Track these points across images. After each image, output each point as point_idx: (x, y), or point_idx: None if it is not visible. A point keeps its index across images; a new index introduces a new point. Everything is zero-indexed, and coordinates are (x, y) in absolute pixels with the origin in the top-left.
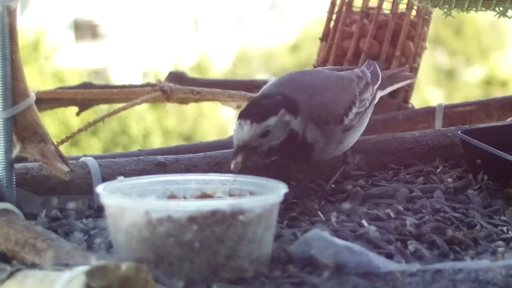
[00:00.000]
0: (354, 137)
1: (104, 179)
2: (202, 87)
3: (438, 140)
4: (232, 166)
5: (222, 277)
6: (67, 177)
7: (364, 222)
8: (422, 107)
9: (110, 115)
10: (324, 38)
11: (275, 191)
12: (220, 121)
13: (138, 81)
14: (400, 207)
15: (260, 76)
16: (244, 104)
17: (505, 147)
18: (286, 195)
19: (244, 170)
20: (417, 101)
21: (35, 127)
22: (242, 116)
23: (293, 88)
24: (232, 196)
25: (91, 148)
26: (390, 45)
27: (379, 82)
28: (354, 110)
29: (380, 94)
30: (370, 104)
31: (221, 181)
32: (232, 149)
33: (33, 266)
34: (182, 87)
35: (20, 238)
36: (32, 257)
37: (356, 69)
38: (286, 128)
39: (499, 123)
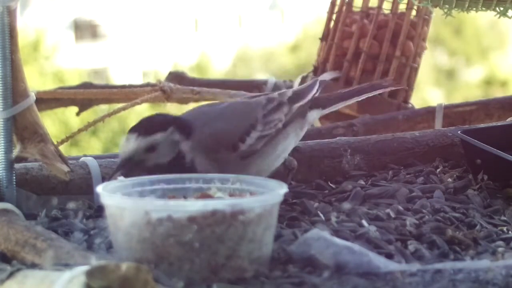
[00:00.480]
0: (268, 161)
1: (104, 179)
2: (202, 87)
3: (438, 140)
4: (108, 179)
5: (222, 277)
6: (67, 177)
7: (364, 222)
8: (422, 107)
9: (110, 115)
10: (324, 38)
11: (275, 191)
12: None
13: (138, 81)
14: (400, 207)
15: (260, 76)
16: None
17: (505, 147)
18: (286, 195)
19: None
20: (417, 101)
21: (35, 127)
22: (131, 130)
23: (190, 116)
24: (232, 196)
25: (91, 148)
26: (390, 45)
27: (305, 100)
28: (255, 134)
29: (318, 113)
30: (286, 125)
31: (221, 181)
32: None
33: (33, 266)
34: (182, 87)
35: (20, 238)
36: (32, 257)
37: (275, 92)
38: (174, 148)
39: (499, 123)
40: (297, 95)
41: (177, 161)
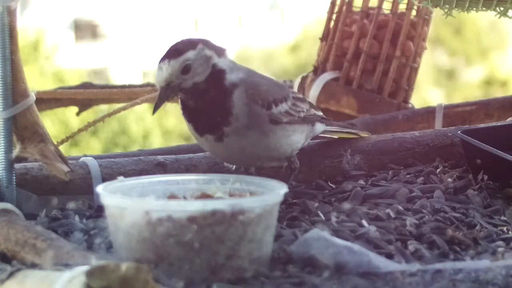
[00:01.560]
0: (282, 141)
1: (104, 179)
2: None
3: (438, 140)
4: (153, 110)
5: (222, 277)
6: (67, 177)
7: (364, 222)
8: (422, 107)
9: (110, 115)
10: (324, 38)
11: (275, 191)
12: None
13: (138, 81)
14: (400, 207)
15: None
16: None
17: (505, 147)
18: (286, 195)
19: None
20: (417, 101)
21: (35, 127)
22: (161, 59)
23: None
24: (232, 196)
25: (91, 148)
26: (390, 45)
27: (319, 112)
28: (285, 106)
29: (322, 127)
30: (304, 120)
31: (221, 181)
32: None
33: (33, 266)
34: None
35: (20, 238)
36: (32, 257)
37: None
38: (208, 63)
39: (499, 123)
40: (314, 105)
41: (213, 79)
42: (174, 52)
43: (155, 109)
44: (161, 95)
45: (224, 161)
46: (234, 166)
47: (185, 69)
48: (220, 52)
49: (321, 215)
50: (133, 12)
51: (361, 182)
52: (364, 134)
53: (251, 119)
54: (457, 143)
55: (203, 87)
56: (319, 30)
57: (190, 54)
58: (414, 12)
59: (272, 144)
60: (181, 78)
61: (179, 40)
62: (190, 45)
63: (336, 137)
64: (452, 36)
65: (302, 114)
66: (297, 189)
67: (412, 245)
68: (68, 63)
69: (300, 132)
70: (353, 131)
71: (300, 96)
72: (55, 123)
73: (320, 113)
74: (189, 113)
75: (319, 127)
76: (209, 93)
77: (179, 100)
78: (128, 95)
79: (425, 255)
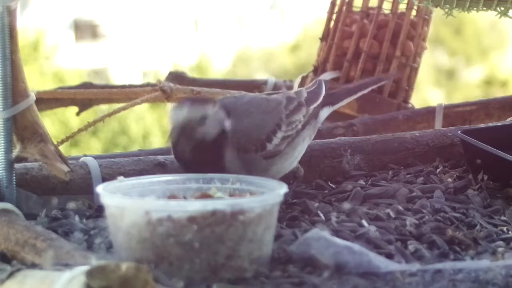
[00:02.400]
0: (287, 163)
1: (104, 179)
2: (202, 87)
3: (438, 140)
4: (172, 147)
5: (222, 277)
6: (67, 177)
7: (364, 222)
8: (422, 107)
9: (110, 115)
10: (324, 38)
11: (275, 191)
12: None
13: (138, 81)
14: (400, 207)
15: (260, 76)
16: None
17: (505, 147)
18: (286, 195)
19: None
20: (417, 101)
21: (35, 127)
22: (179, 103)
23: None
24: (232, 196)
25: (91, 148)
26: (390, 45)
27: (319, 101)
28: (280, 134)
29: (328, 110)
30: (304, 126)
31: (221, 181)
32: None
33: (33, 266)
34: (182, 87)
35: (20, 238)
36: (32, 257)
37: (291, 91)
38: (219, 125)
39: (499, 123)
40: (312, 95)
41: (220, 139)
42: (196, 100)
43: (170, 142)
44: (174, 135)
45: None
46: None
47: (202, 120)
48: (228, 114)
49: (321, 215)
50: (133, 12)
51: (361, 182)
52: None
53: (245, 168)
54: (457, 143)
55: (207, 145)
56: (319, 30)
57: (210, 109)
58: (414, 12)
59: (274, 173)
60: (195, 126)
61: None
62: (210, 102)
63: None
64: (452, 36)
65: (300, 126)
66: (297, 189)
67: (412, 245)
68: (68, 63)
69: (302, 141)
70: (365, 91)
71: (295, 103)
72: (55, 123)
73: (321, 97)
74: (180, 161)
75: (324, 113)
76: (208, 151)
77: (169, 139)
78: (128, 95)
79: (425, 255)
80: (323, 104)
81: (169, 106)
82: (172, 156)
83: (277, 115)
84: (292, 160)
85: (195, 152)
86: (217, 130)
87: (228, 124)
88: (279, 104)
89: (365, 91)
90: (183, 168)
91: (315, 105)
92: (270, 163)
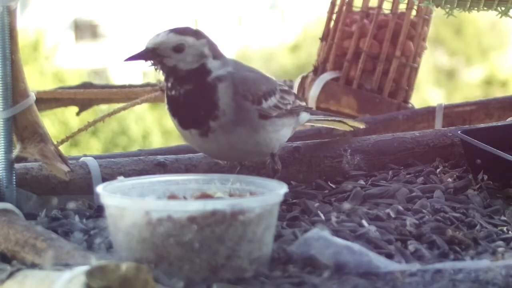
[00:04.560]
0: (273, 135)
1: (104, 179)
2: None
3: (438, 140)
4: (127, 59)
5: (222, 277)
6: (67, 177)
7: (364, 222)
8: (422, 107)
9: (110, 115)
10: (324, 38)
11: (275, 191)
12: None
13: (138, 81)
14: (400, 207)
15: None
16: None
17: (505, 147)
18: (286, 195)
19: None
20: (417, 101)
21: (35, 127)
22: (164, 30)
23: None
24: (232, 196)
25: (91, 148)
26: (390, 45)
27: (303, 103)
28: (274, 99)
29: (307, 116)
30: (291, 112)
31: (221, 181)
32: None
33: (33, 266)
34: None
35: (20, 238)
36: (32, 257)
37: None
38: (199, 60)
39: (499, 123)
40: (298, 95)
41: (197, 74)
42: (179, 29)
43: (129, 59)
44: (142, 54)
45: (210, 156)
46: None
47: (178, 48)
48: (217, 55)
49: (321, 215)
50: (133, 12)
51: (361, 182)
52: (352, 123)
53: (239, 115)
54: (457, 143)
55: (182, 76)
56: (319, 30)
57: (191, 39)
58: (414, 12)
59: (262, 139)
60: (169, 53)
61: (193, 26)
62: (196, 34)
63: (325, 126)
64: (452, 36)
65: (289, 107)
66: (297, 189)
67: (412, 245)
68: (68, 63)
69: (288, 126)
70: (337, 119)
71: (286, 88)
72: (55, 123)
73: (304, 103)
74: (173, 106)
75: (304, 116)
76: (190, 85)
77: (165, 95)
78: (128, 95)
79: (425, 255)
80: (305, 109)
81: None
82: (172, 157)
83: (273, 84)
84: (277, 138)
85: (177, 82)
86: (195, 64)
87: (212, 63)
88: (272, 78)
89: (334, 121)
90: (177, 116)
91: (300, 102)
92: (261, 124)
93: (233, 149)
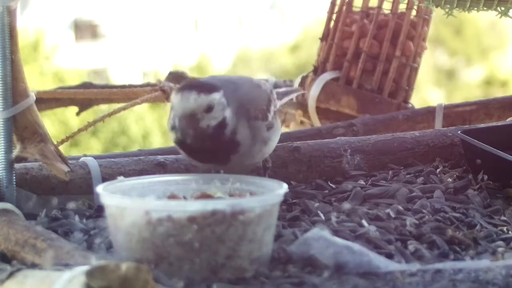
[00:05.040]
0: (275, 141)
1: (104, 179)
2: None
3: (438, 140)
4: (174, 137)
5: (222, 277)
6: (67, 177)
7: (364, 222)
8: (422, 107)
9: (110, 115)
10: (324, 38)
11: (275, 191)
12: None
13: (138, 81)
14: (400, 207)
15: (260, 76)
16: None
17: (505, 147)
18: (286, 195)
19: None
20: (417, 101)
21: (35, 127)
22: (186, 89)
23: (217, 80)
24: (232, 196)
25: (91, 148)
26: (390, 45)
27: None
28: (272, 107)
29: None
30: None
31: (221, 181)
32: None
33: (33, 266)
34: None
35: (20, 238)
36: (32, 257)
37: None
38: (223, 111)
39: (499, 123)
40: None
41: (220, 128)
42: (203, 87)
43: (182, 136)
44: (181, 124)
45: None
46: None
47: (209, 109)
48: (227, 99)
49: (321, 215)
50: (133, 12)
51: (361, 182)
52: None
53: (254, 138)
54: (457, 143)
55: (212, 132)
56: (319, 30)
57: (217, 96)
58: (414, 12)
59: (269, 149)
60: (202, 116)
61: (198, 79)
62: (216, 87)
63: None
64: (452, 36)
65: (278, 106)
66: (297, 189)
67: (412, 245)
68: (68, 63)
69: (280, 126)
70: (292, 95)
71: (267, 85)
72: (55, 123)
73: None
74: (185, 150)
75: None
76: (212, 140)
77: (170, 128)
78: (128, 95)
79: (425, 255)
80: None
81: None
82: (172, 157)
83: (265, 91)
84: (275, 141)
85: (201, 140)
86: (219, 117)
87: (228, 111)
88: (259, 82)
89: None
90: (189, 156)
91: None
92: (268, 136)
93: (241, 166)
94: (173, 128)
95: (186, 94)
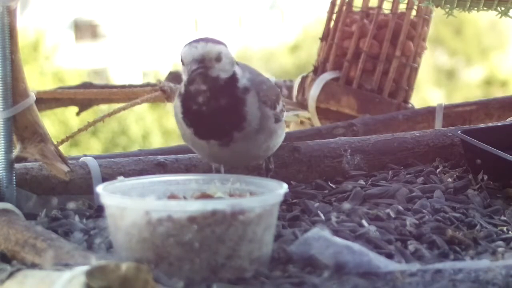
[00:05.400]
0: (281, 138)
1: (104, 179)
2: None
3: (438, 140)
4: (190, 80)
5: (222, 277)
6: (67, 177)
7: (364, 222)
8: (422, 107)
9: (110, 115)
10: (324, 38)
11: (275, 191)
12: None
13: (138, 81)
14: (400, 207)
15: None
16: None
17: (505, 147)
18: (286, 195)
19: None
20: (417, 101)
21: (35, 127)
22: (193, 41)
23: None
24: (232, 196)
25: (91, 148)
26: (390, 45)
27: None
28: (281, 102)
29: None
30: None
31: (221, 181)
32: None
33: (33, 266)
34: None
35: (20, 238)
36: (32, 257)
37: None
38: (231, 66)
39: (499, 123)
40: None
41: (230, 83)
42: (211, 39)
43: (190, 84)
44: (197, 69)
45: (213, 161)
46: (214, 165)
47: (218, 58)
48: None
49: (321, 215)
50: (133, 12)
51: (361, 182)
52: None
53: (262, 123)
54: (457, 143)
55: (221, 86)
56: (319, 30)
57: (224, 47)
58: (414, 12)
59: (273, 143)
60: (213, 64)
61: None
62: (222, 42)
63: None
64: (452, 36)
65: (284, 107)
66: (297, 189)
67: (412, 245)
68: (68, 63)
69: (284, 127)
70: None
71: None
72: (55, 123)
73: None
74: (193, 117)
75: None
76: (222, 96)
77: (179, 103)
78: (128, 95)
79: (425, 255)
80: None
81: (169, 106)
82: (172, 157)
83: (275, 85)
84: (279, 140)
85: (211, 93)
86: (230, 71)
87: (239, 70)
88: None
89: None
90: (193, 125)
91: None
92: (274, 129)
93: (245, 156)
94: (184, 101)
95: (194, 44)
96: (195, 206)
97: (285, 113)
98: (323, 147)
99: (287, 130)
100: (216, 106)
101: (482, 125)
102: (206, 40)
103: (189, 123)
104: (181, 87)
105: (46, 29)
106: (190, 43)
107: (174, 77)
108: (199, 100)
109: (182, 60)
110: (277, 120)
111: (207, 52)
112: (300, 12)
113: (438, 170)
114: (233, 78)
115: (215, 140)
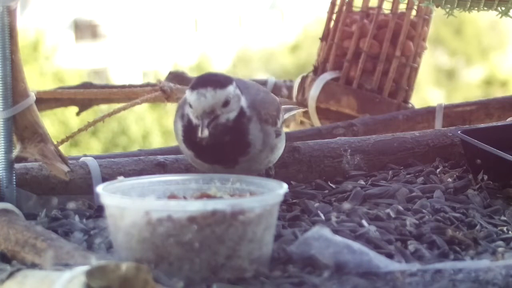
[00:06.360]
0: (281, 150)
1: (104, 179)
2: None
3: (438, 140)
4: (201, 134)
5: (222, 277)
6: (67, 177)
7: (364, 222)
8: (422, 107)
9: (110, 115)
10: (324, 38)
11: (275, 191)
12: None
13: (138, 81)
14: (400, 207)
15: (260, 76)
16: None
17: (505, 147)
18: (286, 195)
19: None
20: (417, 101)
21: (35, 127)
22: (200, 85)
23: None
24: (232, 196)
25: (91, 148)
26: (390, 45)
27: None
28: (281, 115)
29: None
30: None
31: (221, 181)
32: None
33: (33, 266)
34: (182, 87)
35: (20, 238)
36: (32, 257)
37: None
38: (238, 102)
39: (499, 123)
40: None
41: (238, 119)
42: (218, 83)
43: (202, 136)
44: (205, 123)
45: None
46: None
47: (226, 103)
48: (241, 90)
49: (321, 215)
50: (133, 12)
51: (361, 182)
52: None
53: (264, 143)
54: (457, 143)
55: (229, 128)
56: (319, 30)
57: (231, 88)
58: (414, 12)
59: (274, 157)
60: (221, 111)
61: (209, 73)
62: (229, 80)
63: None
64: (452, 36)
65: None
66: (297, 189)
67: (412, 245)
68: (68, 63)
69: (285, 137)
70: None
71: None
72: (55, 123)
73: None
74: (195, 146)
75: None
76: (228, 134)
77: (181, 127)
78: (128, 95)
79: (425, 255)
80: None
81: (169, 106)
82: (172, 157)
83: (275, 98)
84: (280, 152)
85: (219, 134)
86: (237, 109)
87: (244, 100)
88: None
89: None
90: (199, 155)
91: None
92: (274, 144)
93: (247, 171)
94: (186, 127)
95: (202, 91)
96: (195, 206)
97: (286, 115)
98: (323, 147)
99: (287, 130)
100: (221, 141)
101: (482, 125)
102: (213, 85)
103: (190, 148)
104: (184, 110)
105: (46, 29)
106: (198, 90)
107: (174, 77)
108: (209, 139)
109: (189, 104)
110: (278, 135)
111: (216, 103)
112: (300, 12)
113: (438, 170)
114: (240, 113)
115: (219, 165)
